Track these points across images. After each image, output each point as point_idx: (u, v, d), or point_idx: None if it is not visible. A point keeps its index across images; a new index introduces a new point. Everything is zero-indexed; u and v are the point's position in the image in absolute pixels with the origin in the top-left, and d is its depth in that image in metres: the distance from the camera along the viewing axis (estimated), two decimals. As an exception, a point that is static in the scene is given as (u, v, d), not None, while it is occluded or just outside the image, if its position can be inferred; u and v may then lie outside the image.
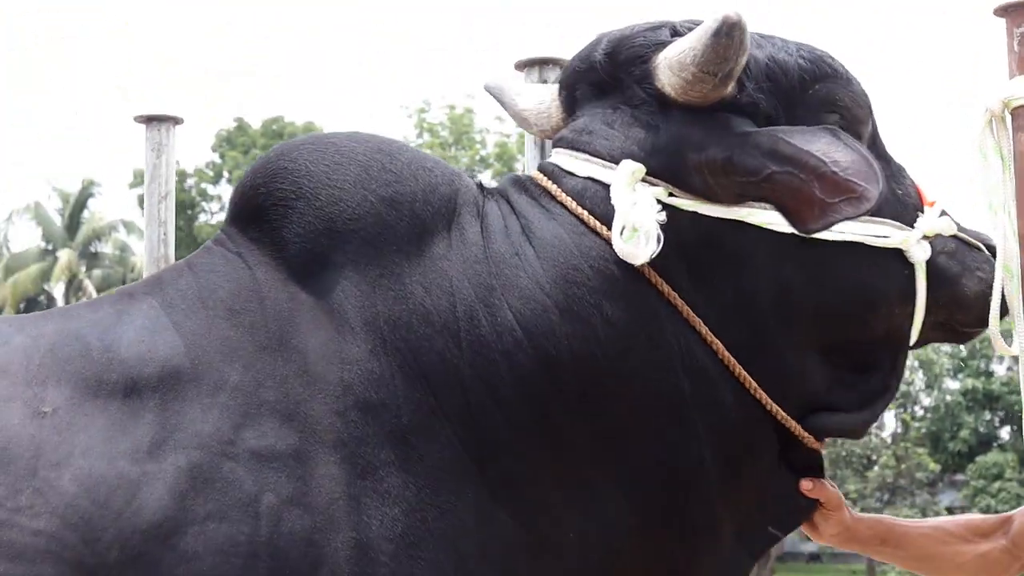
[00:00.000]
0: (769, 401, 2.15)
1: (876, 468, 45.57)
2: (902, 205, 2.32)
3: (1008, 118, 2.38)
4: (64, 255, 40.08)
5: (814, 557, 52.92)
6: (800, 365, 2.21)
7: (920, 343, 2.40)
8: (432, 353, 2.02)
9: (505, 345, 2.03)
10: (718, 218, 2.12)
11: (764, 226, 2.13)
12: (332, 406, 1.96)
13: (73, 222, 42.83)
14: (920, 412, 43.80)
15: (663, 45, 2.15)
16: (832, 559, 51.96)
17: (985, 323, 2.35)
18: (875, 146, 2.35)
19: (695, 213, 2.11)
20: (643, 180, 2.10)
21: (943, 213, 2.36)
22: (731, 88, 2.12)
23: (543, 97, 2.43)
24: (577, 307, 2.05)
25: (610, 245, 2.06)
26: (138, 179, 42.21)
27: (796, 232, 2.13)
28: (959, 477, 40.48)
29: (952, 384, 41.61)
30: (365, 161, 2.15)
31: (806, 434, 2.23)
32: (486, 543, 1.97)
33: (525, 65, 3.00)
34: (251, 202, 2.16)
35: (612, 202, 2.07)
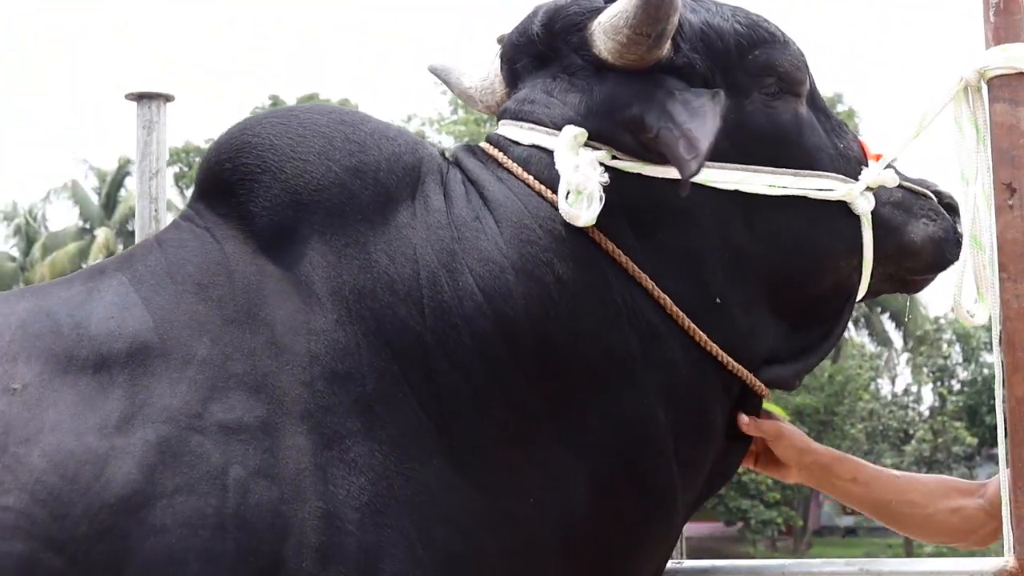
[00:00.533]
0: (720, 352, 2.17)
1: (913, 442, 45.40)
2: (844, 159, 2.34)
3: (984, 88, 2.38)
4: (101, 234, 40.35)
5: (850, 531, 52.82)
6: (750, 321, 2.23)
7: (871, 295, 2.43)
8: (396, 321, 2.03)
9: (466, 310, 2.05)
10: (662, 178, 2.13)
11: (707, 184, 2.15)
12: (299, 377, 1.98)
13: (110, 201, 43.10)
14: (957, 386, 43.62)
15: (597, 11, 2.17)
16: (868, 533, 51.78)
17: (936, 269, 2.40)
18: (813, 101, 2.36)
19: (639, 175, 2.13)
20: (586, 144, 2.11)
21: (888, 166, 2.37)
22: (666, 50, 2.14)
23: (486, 74, 2.45)
24: (531, 266, 2.07)
25: (557, 208, 2.08)
26: (173, 158, 42.51)
27: (723, 188, 2.16)
28: (995, 451, 40.28)
29: (989, 357, 41.35)
30: (329, 132, 2.17)
31: (759, 383, 2.26)
32: (450, 509, 1.99)
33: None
34: (218, 177, 2.17)
35: (556, 167, 2.09)
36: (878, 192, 2.34)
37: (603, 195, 2.04)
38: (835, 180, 2.28)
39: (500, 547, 2.03)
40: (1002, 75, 2.34)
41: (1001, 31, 2.35)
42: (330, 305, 2.04)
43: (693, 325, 2.14)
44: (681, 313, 2.13)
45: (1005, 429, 2.28)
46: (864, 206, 2.30)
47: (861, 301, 2.44)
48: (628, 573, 2.19)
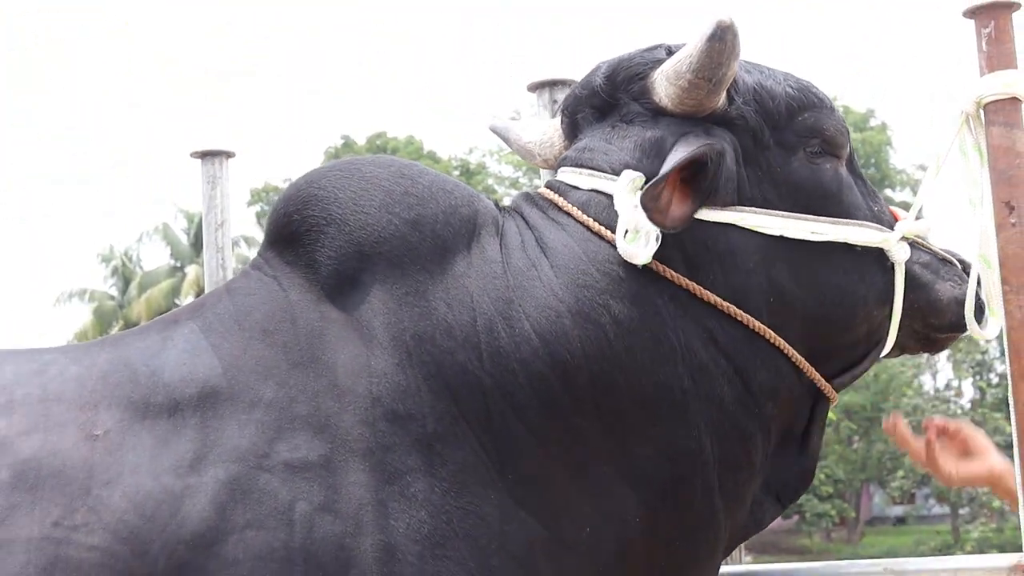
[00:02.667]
0: (796, 355, 2.20)
1: (956, 434, 44.79)
2: (876, 219, 2.35)
3: (981, 115, 2.38)
4: (192, 271, 40.76)
5: (900, 520, 52.17)
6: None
7: (897, 350, 2.43)
8: (455, 365, 2.04)
9: (522, 354, 2.05)
10: (712, 221, 2.14)
11: (755, 229, 2.15)
12: (361, 417, 1.99)
13: (198, 240, 43.47)
14: (995, 379, 43.01)
15: (660, 62, 2.18)
16: (917, 521, 51.14)
17: (958, 329, 2.39)
18: (851, 166, 2.38)
19: (695, 217, 2.12)
20: (643, 187, 2.11)
21: (918, 217, 2.38)
22: (722, 99, 2.15)
23: (545, 129, 2.47)
24: (587, 309, 2.06)
25: (615, 248, 2.09)
26: (255, 198, 42.92)
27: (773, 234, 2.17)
28: (1035, 439, 39.64)
29: (1025, 351, 40.74)
30: (389, 186, 2.18)
31: (828, 385, 2.29)
32: (508, 541, 1.99)
33: (537, 87, 3.02)
34: (285, 228, 2.20)
35: (615, 208, 2.10)
36: (910, 251, 2.35)
37: (660, 234, 2.05)
38: (873, 229, 2.29)
39: (556, 574, 2.03)
40: (997, 100, 2.34)
41: (994, 59, 2.35)
42: (391, 349, 2.05)
43: (779, 338, 2.18)
44: (766, 328, 2.16)
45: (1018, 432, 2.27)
46: (900, 255, 2.31)
47: (886, 357, 2.43)
48: None
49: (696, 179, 2.09)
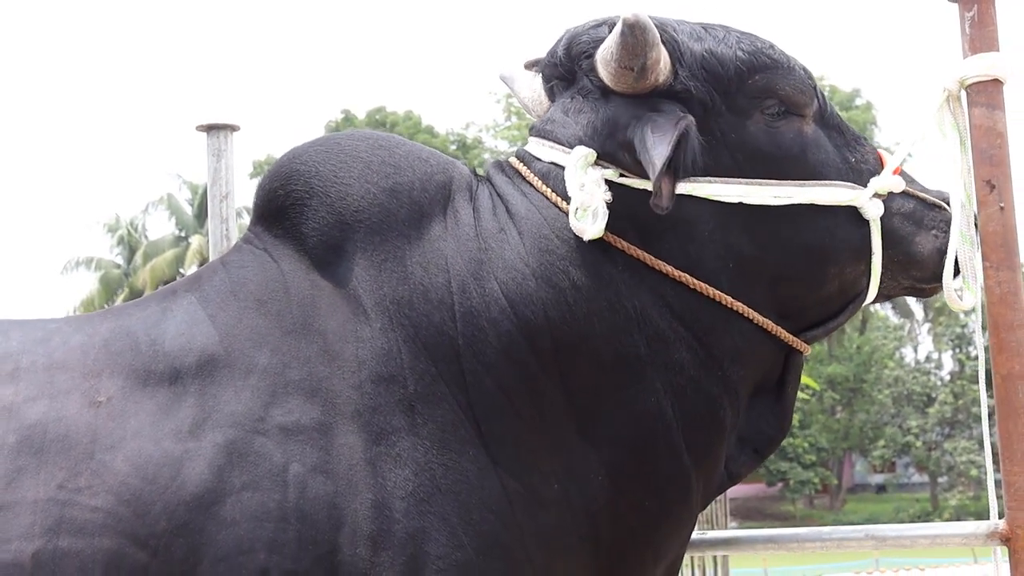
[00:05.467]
0: (754, 314, 2.19)
1: (936, 405, 44.96)
2: (855, 172, 2.30)
3: (963, 96, 2.37)
4: (195, 241, 40.75)
5: (881, 488, 52.44)
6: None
7: (883, 297, 2.40)
8: (431, 327, 2.07)
9: (492, 314, 2.08)
10: None
11: (710, 198, 2.14)
12: (349, 381, 2.02)
13: (202, 211, 43.49)
14: (975, 352, 42.94)
15: (602, 40, 2.18)
16: (897, 489, 51.41)
17: (940, 279, 2.33)
18: (823, 120, 2.32)
19: (644, 190, 2.12)
20: (597, 162, 2.13)
21: (896, 172, 2.33)
22: (659, 77, 2.13)
23: (535, 87, 2.46)
24: (550, 273, 2.09)
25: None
26: (257, 170, 42.84)
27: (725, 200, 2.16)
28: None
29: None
30: (367, 157, 2.21)
31: (798, 340, 2.28)
32: (486, 496, 2.01)
33: (534, 64, 3.00)
34: (272, 203, 2.22)
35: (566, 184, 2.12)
36: (889, 203, 2.30)
37: (607, 211, 2.06)
38: (843, 188, 2.24)
39: (532, 529, 2.04)
40: (979, 82, 2.34)
41: (977, 42, 2.35)
42: (374, 314, 2.08)
43: (737, 303, 2.16)
44: (723, 295, 2.15)
45: (990, 407, 2.27)
46: (873, 211, 2.26)
47: (874, 303, 2.41)
48: (649, 555, 2.19)
49: (674, 158, 2.08)
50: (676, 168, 2.08)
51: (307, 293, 2.11)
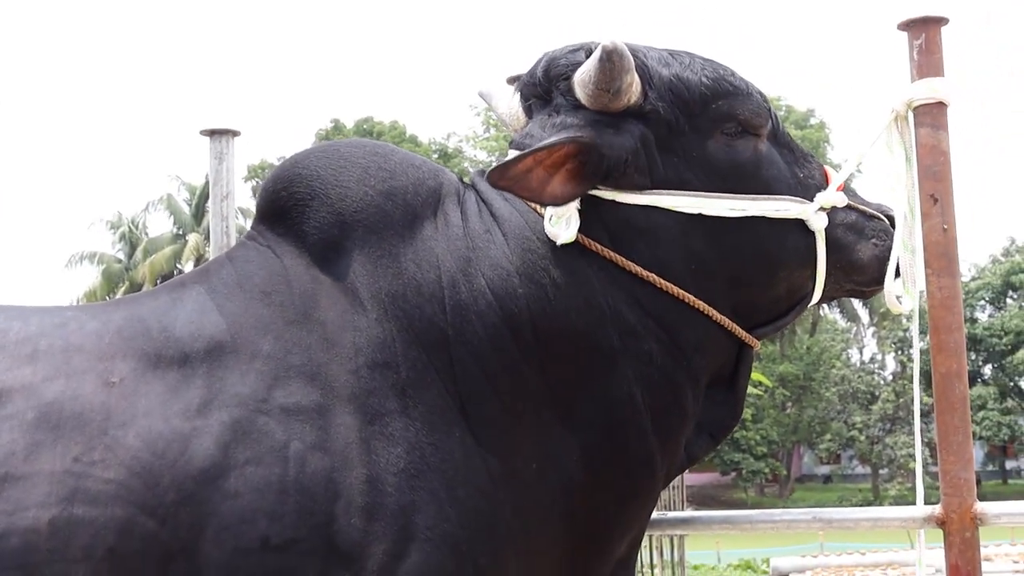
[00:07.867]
0: (705, 307, 2.22)
1: (879, 403, 45.24)
2: (803, 187, 2.35)
3: (910, 116, 2.41)
4: (192, 239, 40.63)
5: (827, 479, 52.70)
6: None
7: (827, 299, 2.46)
8: (423, 318, 2.10)
9: (479, 307, 2.11)
10: (629, 203, 2.19)
11: (671, 208, 2.20)
12: (347, 366, 2.05)
13: (199, 210, 43.34)
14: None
15: (579, 64, 2.21)
16: (841, 480, 51.68)
17: (879, 282, 2.40)
18: (776, 138, 2.38)
19: (613, 200, 2.18)
20: None
21: (840, 189, 2.38)
22: (631, 99, 2.18)
23: (512, 104, 2.49)
24: (531, 271, 2.13)
25: None
26: (251, 173, 42.69)
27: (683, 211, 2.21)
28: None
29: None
30: (364, 163, 2.25)
31: (749, 336, 2.31)
32: (471, 473, 2.05)
33: (515, 79, 3.02)
34: (275, 204, 2.25)
35: None
36: (833, 214, 2.36)
37: (579, 218, 2.12)
38: (792, 202, 2.30)
39: (512, 504, 2.08)
40: (925, 104, 2.38)
41: (924, 67, 2.40)
42: (371, 306, 2.11)
43: (699, 301, 2.21)
44: (687, 294, 2.20)
45: (921, 400, 2.31)
46: (818, 224, 2.31)
47: (819, 303, 2.46)
48: (617, 531, 2.23)
49: (584, 166, 2.15)
50: (594, 175, 2.14)
51: (308, 286, 2.13)
